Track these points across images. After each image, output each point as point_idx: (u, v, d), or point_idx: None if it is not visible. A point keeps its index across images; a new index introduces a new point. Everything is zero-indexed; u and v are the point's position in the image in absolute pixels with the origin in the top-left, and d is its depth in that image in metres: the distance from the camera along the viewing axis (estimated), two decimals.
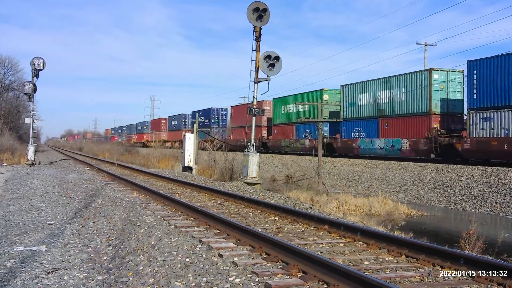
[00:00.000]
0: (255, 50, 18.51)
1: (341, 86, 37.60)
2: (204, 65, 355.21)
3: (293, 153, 43.55)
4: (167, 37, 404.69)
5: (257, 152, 19.16)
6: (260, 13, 17.97)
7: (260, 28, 18.38)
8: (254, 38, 18.50)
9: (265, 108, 45.60)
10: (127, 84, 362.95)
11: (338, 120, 36.79)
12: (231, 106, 57.68)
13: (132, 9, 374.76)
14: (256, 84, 18.57)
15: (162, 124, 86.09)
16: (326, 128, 38.42)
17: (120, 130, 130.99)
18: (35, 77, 30.02)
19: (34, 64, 29.29)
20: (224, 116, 64.68)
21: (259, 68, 18.35)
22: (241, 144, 48.42)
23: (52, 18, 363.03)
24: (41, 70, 29.71)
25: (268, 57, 18.10)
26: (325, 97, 38.92)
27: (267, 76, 18.35)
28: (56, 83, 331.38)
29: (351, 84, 37.07)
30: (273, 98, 48.25)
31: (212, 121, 62.29)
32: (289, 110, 44.68)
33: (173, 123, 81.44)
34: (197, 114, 45.32)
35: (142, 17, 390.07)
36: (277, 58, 18.14)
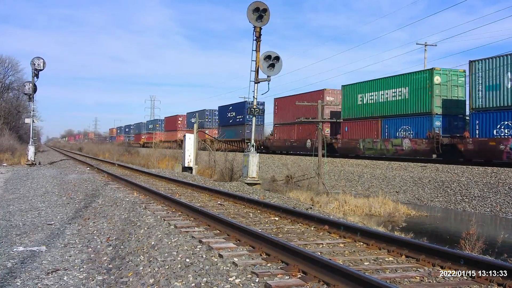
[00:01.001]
0: (255, 50, 18.51)
1: (471, 62, 26.81)
2: (205, 65, 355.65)
3: (295, 154, 43.49)
4: (167, 37, 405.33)
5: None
6: (260, 13, 17.97)
7: (260, 28, 18.38)
8: (254, 38, 18.50)
9: (328, 98, 38.31)
10: (127, 84, 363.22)
11: (338, 120, 36.56)
12: (275, 98, 48.65)
13: (133, 9, 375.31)
14: (256, 84, 18.57)
15: (179, 121, 75.95)
16: (438, 123, 29.48)
17: (127, 129, 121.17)
18: (35, 77, 30.04)
19: (34, 64, 29.31)
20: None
21: (259, 68, 18.35)
22: (292, 145, 43.60)
23: (53, 18, 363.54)
24: (41, 70, 29.72)
25: (268, 57, 18.11)
26: (436, 79, 29.46)
27: (267, 76, 18.35)
28: (56, 83, 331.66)
29: (492, 58, 25.70)
30: (343, 86, 37.64)
31: (247, 117, 51.00)
32: (370, 99, 34.93)
33: (193, 121, 75.14)
34: (228, 107, 44.58)
35: (142, 17, 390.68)
36: (277, 58, 18.14)
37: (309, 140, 39.80)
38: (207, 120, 64.65)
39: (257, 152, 19.26)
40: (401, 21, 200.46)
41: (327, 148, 32.78)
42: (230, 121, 56.97)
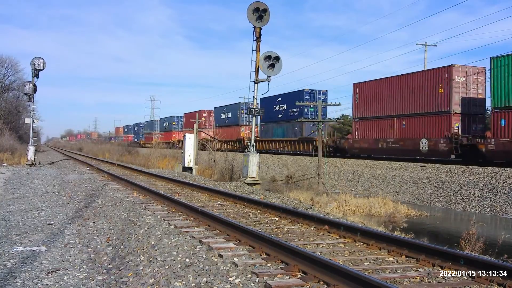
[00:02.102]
0: (255, 51, 18.51)
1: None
2: (205, 65, 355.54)
3: (293, 153, 43.46)
4: (168, 37, 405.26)
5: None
6: (260, 14, 17.97)
7: (260, 29, 18.38)
8: (254, 38, 18.50)
9: (457, 79, 28.58)
10: (128, 84, 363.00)
11: (338, 120, 36.49)
12: (354, 84, 37.60)
13: (134, 9, 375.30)
14: (256, 85, 18.57)
15: (204, 118, 63.52)
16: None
17: (136, 128, 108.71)
18: (35, 77, 30.02)
19: (34, 64, 29.30)
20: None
21: (259, 69, 18.35)
22: (391, 146, 32.35)
23: (53, 18, 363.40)
24: (41, 70, 29.71)
25: (268, 57, 18.10)
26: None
27: (267, 76, 18.35)
28: (56, 83, 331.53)
29: None
30: (492, 58, 26.39)
31: (306, 110, 43.02)
32: None
33: (223, 117, 61.41)
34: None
35: (143, 17, 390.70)
36: (277, 58, 18.14)
37: (424, 140, 29.91)
38: (242, 116, 55.92)
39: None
40: (402, 21, 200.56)
41: (462, 153, 26.99)
42: (279, 115, 47.99)
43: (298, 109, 43.38)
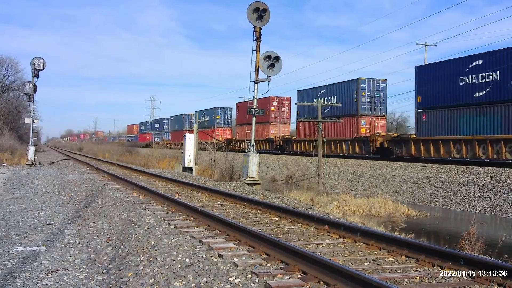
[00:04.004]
0: (255, 51, 18.51)
1: None
2: (205, 65, 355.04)
3: (293, 153, 43.39)
4: (168, 37, 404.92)
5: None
6: (260, 13, 17.97)
7: (260, 28, 18.38)
8: (254, 38, 18.50)
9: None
10: (128, 84, 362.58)
11: (338, 120, 36.36)
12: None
13: (134, 9, 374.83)
14: (256, 85, 18.57)
15: (273, 108, 48.73)
16: None
17: (157, 125, 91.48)
18: (35, 77, 30.04)
19: (34, 64, 29.31)
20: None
21: (259, 69, 18.36)
22: None
23: (54, 18, 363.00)
24: (41, 70, 29.72)
25: (268, 57, 18.11)
26: None
27: (267, 76, 18.35)
28: (56, 83, 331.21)
29: None
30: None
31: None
32: None
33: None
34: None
35: (143, 17, 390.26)
36: (277, 58, 18.14)
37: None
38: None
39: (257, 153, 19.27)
40: (402, 21, 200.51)
41: None
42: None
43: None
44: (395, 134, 34.85)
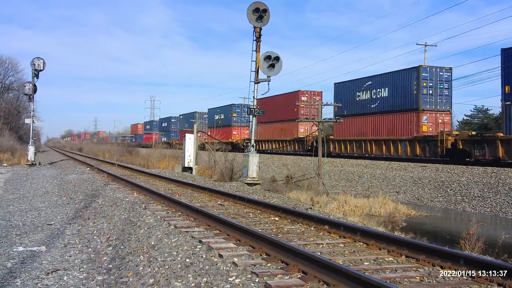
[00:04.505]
0: (255, 51, 18.52)
1: None
2: (205, 65, 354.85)
3: (293, 154, 43.32)
4: (168, 37, 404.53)
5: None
6: (260, 14, 17.98)
7: (260, 29, 18.38)
8: (254, 38, 18.51)
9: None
10: (128, 84, 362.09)
11: (338, 120, 36.17)
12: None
13: (134, 10, 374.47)
14: (256, 85, 18.57)
15: (304, 103, 40.86)
16: None
17: (164, 124, 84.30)
18: (35, 78, 30.05)
19: (34, 65, 29.32)
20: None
21: (259, 69, 18.36)
22: None
23: (54, 19, 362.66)
24: (41, 70, 29.73)
25: (268, 57, 18.11)
26: None
27: (267, 76, 18.36)
28: (56, 83, 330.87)
29: None
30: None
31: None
32: None
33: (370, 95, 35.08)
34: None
35: (144, 17, 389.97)
36: (277, 58, 18.15)
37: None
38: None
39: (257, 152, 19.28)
40: (402, 21, 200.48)
41: None
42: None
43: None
44: (473, 132, 28.83)
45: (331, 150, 37.86)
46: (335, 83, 38.83)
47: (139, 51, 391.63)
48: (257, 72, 18.51)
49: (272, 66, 18.15)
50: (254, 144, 19.15)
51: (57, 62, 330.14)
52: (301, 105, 40.90)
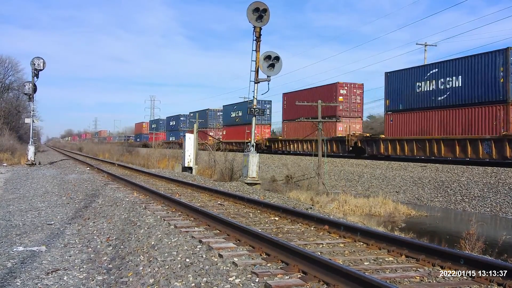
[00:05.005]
0: (255, 51, 18.52)
1: None
2: (205, 65, 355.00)
3: (293, 153, 43.26)
4: (169, 37, 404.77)
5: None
6: (260, 13, 17.98)
7: (260, 29, 18.38)
8: (254, 38, 18.51)
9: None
10: (128, 84, 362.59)
11: (338, 120, 36.15)
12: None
13: (135, 10, 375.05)
14: (256, 84, 18.58)
15: (342, 98, 37.44)
16: None
17: (172, 123, 77.82)
18: (35, 77, 30.05)
19: (34, 64, 29.32)
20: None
21: (259, 69, 18.36)
22: None
23: (54, 19, 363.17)
24: (41, 70, 29.74)
25: (268, 57, 18.11)
26: None
27: (267, 76, 18.36)
28: (56, 83, 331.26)
29: None
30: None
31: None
32: None
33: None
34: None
35: (144, 17, 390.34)
36: (277, 58, 18.14)
37: None
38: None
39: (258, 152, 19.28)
40: (402, 21, 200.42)
41: None
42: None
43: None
44: None
45: (381, 151, 32.34)
46: (386, 73, 32.73)
47: (139, 51, 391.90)
48: (257, 72, 18.51)
49: (272, 66, 18.15)
50: (254, 144, 19.15)
51: (57, 62, 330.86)
52: (339, 99, 36.77)
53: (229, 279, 5.58)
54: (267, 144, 46.13)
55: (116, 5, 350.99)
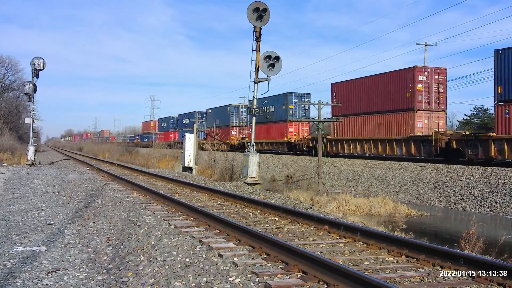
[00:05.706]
0: (255, 50, 18.51)
1: None
2: (206, 65, 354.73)
3: (294, 153, 43.20)
4: (169, 37, 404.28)
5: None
6: (260, 13, 17.97)
7: (260, 28, 18.37)
8: (254, 38, 18.50)
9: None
10: (128, 84, 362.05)
11: (338, 120, 36.04)
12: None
13: (136, 10, 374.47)
14: (256, 84, 18.57)
15: (420, 86, 30.43)
16: None
17: (185, 121, 70.54)
18: (35, 77, 30.04)
19: (34, 64, 29.31)
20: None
21: (259, 68, 18.36)
22: None
23: (55, 18, 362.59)
24: (41, 70, 29.73)
25: (268, 57, 18.11)
26: None
27: (267, 76, 18.35)
28: (56, 83, 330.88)
29: None
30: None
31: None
32: None
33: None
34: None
35: (145, 17, 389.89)
36: (277, 58, 18.14)
37: None
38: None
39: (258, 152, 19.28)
40: (402, 21, 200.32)
41: None
42: None
43: None
44: None
45: (493, 154, 24.67)
46: (495, 51, 25.37)
47: (140, 51, 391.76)
48: (257, 71, 18.51)
49: (272, 65, 18.14)
50: (254, 144, 19.14)
51: (57, 61, 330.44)
52: (417, 87, 30.23)
53: (229, 279, 5.58)
54: (310, 144, 37.67)
55: (117, 4, 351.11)
